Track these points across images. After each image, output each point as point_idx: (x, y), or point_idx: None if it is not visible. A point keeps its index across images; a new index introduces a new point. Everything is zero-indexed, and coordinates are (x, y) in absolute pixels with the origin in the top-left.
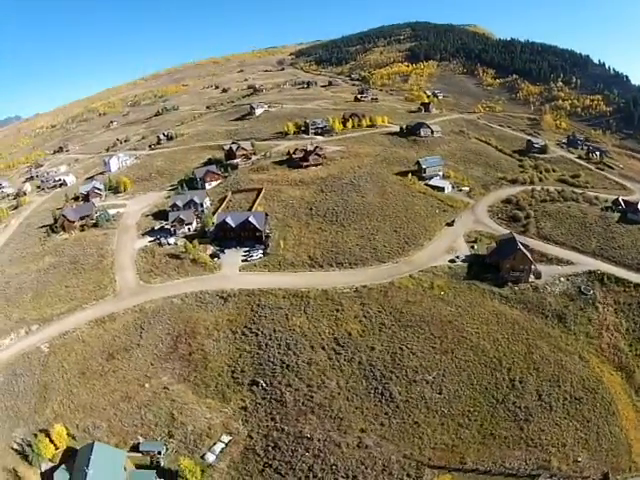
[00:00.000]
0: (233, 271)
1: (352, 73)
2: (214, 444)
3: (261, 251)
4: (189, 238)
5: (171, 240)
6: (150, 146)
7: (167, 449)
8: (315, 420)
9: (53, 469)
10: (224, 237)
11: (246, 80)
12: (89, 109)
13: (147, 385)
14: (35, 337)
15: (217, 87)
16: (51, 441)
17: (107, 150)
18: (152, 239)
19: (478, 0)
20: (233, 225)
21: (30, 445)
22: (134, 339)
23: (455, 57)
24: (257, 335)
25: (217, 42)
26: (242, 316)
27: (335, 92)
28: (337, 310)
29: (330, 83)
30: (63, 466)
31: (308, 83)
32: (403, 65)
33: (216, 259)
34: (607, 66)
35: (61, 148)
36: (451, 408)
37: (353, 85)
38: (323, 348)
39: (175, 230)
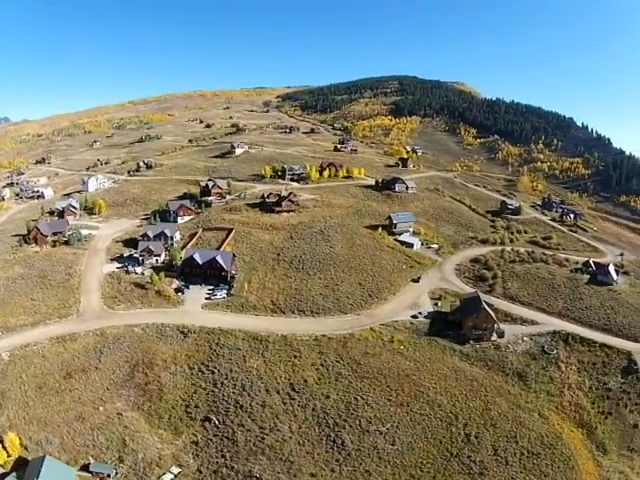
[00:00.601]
0: (196, 308)
1: (335, 122)
2: (163, 474)
3: (225, 291)
4: (156, 269)
5: (138, 269)
6: (129, 172)
7: (117, 473)
8: (265, 461)
9: (4, 475)
10: (190, 273)
11: (231, 118)
12: (75, 124)
13: (101, 408)
14: None
15: (202, 121)
16: (4, 448)
17: (87, 169)
18: (120, 266)
19: (467, 58)
20: (200, 262)
21: None
22: (93, 362)
23: (439, 114)
24: (213, 373)
25: (207, 75)
26: (200, 353)
27: (316, 140)
28: (295, 356)
29: (312, 130)
30: (14, 474)
31: (290, 128)
32: (386, 119)
33: (180, 294)
34: (590, 129)
35: (44, 159)
36: (404, 459)
37: (335, 134)
38: (278, 392)
39: (143, 260)
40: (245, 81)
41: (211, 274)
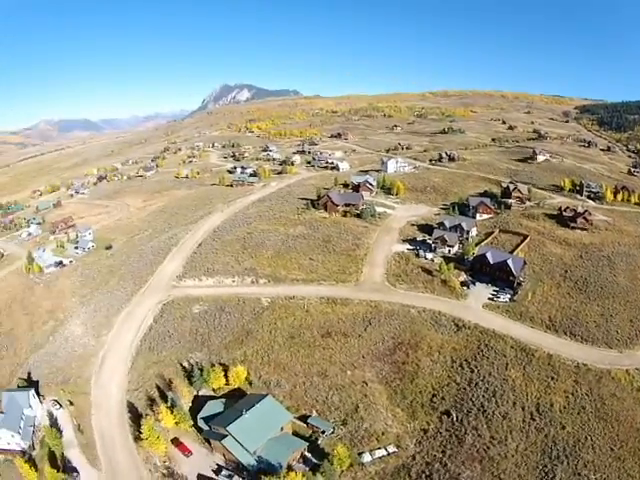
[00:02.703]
0: (477, 305)
1: (629, 143)
2: (377, 448)
3: (509, 295)
4: (446, 259)
5: (429, 255)
6: (431, 160)
7: (333, 432)
8: (478, 470)
9: (209, 397)
10: (479, 270)
11: (532, 123)
12: (373, 107)
13: (349, 372)
14: (259, 289)
15: (504, 122)
16: (225, 376)
17: (387, 151)
18: (411, 248)
19: None
20: (491, 262)
21: (201, 369)
22: (357, 329)
23: None
24: (472, 372)
25: (507, 75)
26: (467, 349)
27: (612, 159)
28: (552, 378)
29: (609, 148)
30: (222, 400)
31: (589, 143)
32: None
33: (465, 288)
34: None
35: (339, 134)
36: None
37: (629, 157)
38: (523, 408)
39: (435, 247)
40: (544, 86)
41: (499, 276)
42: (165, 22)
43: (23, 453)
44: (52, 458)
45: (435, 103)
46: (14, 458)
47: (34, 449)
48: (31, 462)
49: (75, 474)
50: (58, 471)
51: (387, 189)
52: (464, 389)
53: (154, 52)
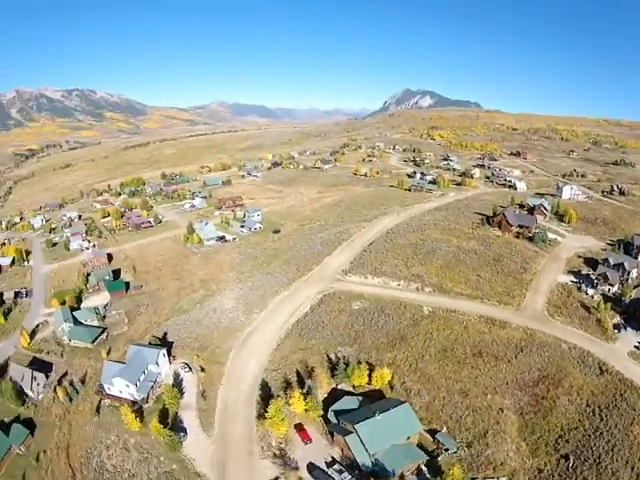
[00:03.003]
0: (623, 351)
1: None
2: (490, 478)
3: None
4: (604, 298)
5: (590, 291)
6: (603, 192)
7: (456, 452)
8: None
9: (347, 393)
10: (633, 315)
11: None
12: (552, 128)
13: (489, 396)
14: (422, 297)
15: None
16: (369, 376)
17: (563, 176)
18: (575, 280)
19: None
20: None
21: (347, 364)
22: (509, 354)
23: None
24: (601, 420)
25: None
26: (603, 396)
27: None
28: None
29: None
30: (359, 397)
31: None
32: None
33: (616, 331)
34: None
35: (519, 153)
36: None
37: None
38: (632, 468)
39: (597, 284)
40: None
41: None
42: (351, 27)
43: (134, 403)
44: (163, 416)
45: (609, 131)
46: (120, 406)
47: (147, 402)
48: (138, 413)
49: (182, 434)
50: (164, 427)
51: (560, 216)
52: (589, 436)
53: (339, 50)
